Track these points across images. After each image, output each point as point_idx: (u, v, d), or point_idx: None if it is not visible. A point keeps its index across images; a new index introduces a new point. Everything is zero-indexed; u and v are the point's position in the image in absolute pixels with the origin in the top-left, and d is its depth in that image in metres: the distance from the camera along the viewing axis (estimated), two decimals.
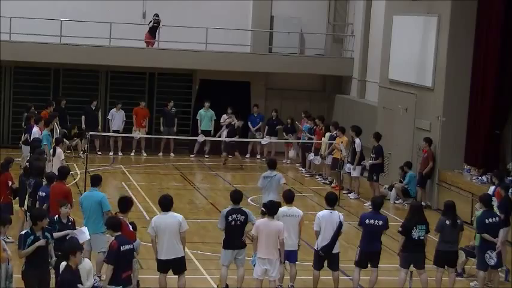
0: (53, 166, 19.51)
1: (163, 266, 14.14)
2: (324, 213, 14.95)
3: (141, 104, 29.02)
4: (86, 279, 11.81)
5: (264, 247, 14.16)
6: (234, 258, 14.73)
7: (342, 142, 24.21)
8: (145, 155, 28.80)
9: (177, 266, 14.15)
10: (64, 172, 16.35)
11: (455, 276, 15.57)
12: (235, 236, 14.58)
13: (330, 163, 25.18)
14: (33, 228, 12.71)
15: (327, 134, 25.62)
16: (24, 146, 24.05)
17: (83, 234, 13.48)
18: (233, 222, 14.53)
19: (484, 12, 21.94)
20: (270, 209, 14.34)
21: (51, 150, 20.74)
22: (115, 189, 23.34)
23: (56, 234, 13.30)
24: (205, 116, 29.12)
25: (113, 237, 12.76)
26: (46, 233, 12.77)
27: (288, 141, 28.26)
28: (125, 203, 14.09)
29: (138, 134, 28.39)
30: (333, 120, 27.19)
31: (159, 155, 29.00)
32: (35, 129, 22.49)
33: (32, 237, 12.60)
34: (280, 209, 14.83)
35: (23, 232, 12.93)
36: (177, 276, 14.28)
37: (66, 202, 14.15)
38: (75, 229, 13.77)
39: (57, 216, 13.95)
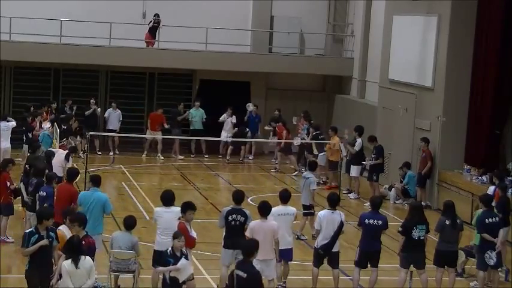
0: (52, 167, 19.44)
1: (159, 259, 14.19)
2: (325, 212, 14.98)
3: (158, 110, 28.78)
4: (87, 278, 11.82)
5: (260, 248, 14.14)
6: (235, 258, 14.72)
7: (341, 142, 24.20)
8: (162, 158, 28.47)
9: None
10: (72, 174, 16.25)
11: (455, 276, 15.57)
12: (235, 236, 14.56)
13: (324, 163, 25.22)
14: (38, 227, 12.68)
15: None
16: (24, 146, 24.15)
17: (187, 268, 13.18)
18: (233, 222, 14.52)
19: (484, 12, 21.94)
20: (263, 210, 14.32)
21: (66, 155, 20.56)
22: (115, 189, 23.36)
23: (160, 269, 13.01)
24: (196, 116, 29.07)
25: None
26: (51, 233, 12.72)
27: (289, 141, 28.18)
28: (184, 206, 14.00)
29: (152, 136, 28.40)
30: (315, 123, 27.14)
31: (172, 156, 28.81)
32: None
33: (36, 236, 12.56)
34: (275, 208, 14.82)
35: (27, 230, 12.91)
36: None
37: (181, 234, 13.26)
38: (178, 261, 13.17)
39: (170, 249, 13.03)
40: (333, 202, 15.10)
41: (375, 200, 15.58)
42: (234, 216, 14.53)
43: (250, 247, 11.40)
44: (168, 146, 28.97)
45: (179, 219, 14.05)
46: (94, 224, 14.74)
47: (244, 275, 11.07)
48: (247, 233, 14.20)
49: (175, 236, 13.04)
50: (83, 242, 12.51)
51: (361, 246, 15.11)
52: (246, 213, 14.62)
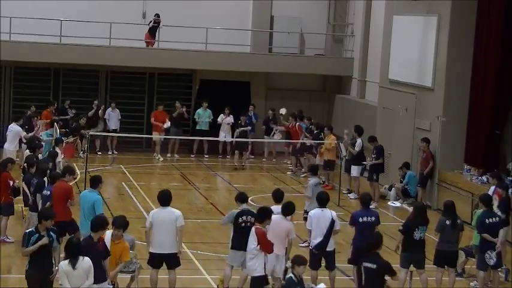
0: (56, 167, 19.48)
1: (155, 260, 14.20)
2: (314, 211, 14.97)
3: (159, 108, 28.61)
4: (85, 278, 11.82)
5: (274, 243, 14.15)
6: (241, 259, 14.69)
7: (342, 143, 24.19)
8: (162, 158, 28.46)
9: (170, 260, 14.23)
10: (65, 171, 16.32)
11: (455, 276, 15.57)
12: (244, 237, 14.55)
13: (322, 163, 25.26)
14: (38, 227, 12.68)
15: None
16: (23, 145, 24.16)
17: None
18: (243, 224, 14.50)
19: (484, 12, 21.94)
20: (285, 210, 14.35)
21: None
22: (115, 189, 23.36)
23: None
24: (203, 116, 29.08)
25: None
26: (51, 233, 12.72)
27: (287, 141, 28.20)
28: (263, 213, 13.90)
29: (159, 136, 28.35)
30: (315, 121, 27.07)
31: (168, 156, 28.83)
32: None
33: (36, 235, 12.55)
34: (271, 207, 14.78)
35: (27, 230, 12.93)
36: (170, 274, 14.34)
37: (307, 261, 12.45)
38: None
39: (293, 276, 12.13)
40: (322, 201, 15.07)
41: (365, 197, 15.60)
42: (244, 217, 14.52)
43: (376, 240, 12.62)
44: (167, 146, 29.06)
45: (253, 224, 13.89)
46: (88, 224, 14.69)
47: (374, 266, 12.22)
48: None
49: (301, 262, 12.26)
50: (99, 243, 12.64)
51: (355, 244, 15.04)
52: (255, 214, 14.64)
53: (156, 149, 28.62)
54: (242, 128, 28.12)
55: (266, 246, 13.66)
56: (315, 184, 17.92)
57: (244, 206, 14.69)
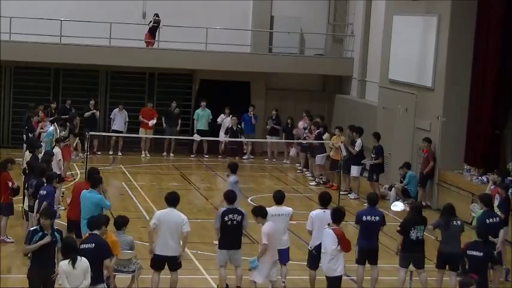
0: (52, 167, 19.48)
1: (157, 262, 14.15)
2: (316, 212, 14.87)
3: (148, 105, 28.92)
4: (83, 278, 11.82)
5: (273, 250, 14.12)
6: (230, 258, 14.66)
7: (342, 142, 24.18)
8: (149, 156, 28.70)
9: (172, 263, 14.18)
10: (90, 173, 16.25)
11: (456, 279, 15.48)
12: (231, 236, 14.54)
13: (323, 163, 25.19)
14: (43, 226, 12.67)
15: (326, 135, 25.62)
16: (24, 146, 24.14)
17: None
18: (229, 222, 14.49)
19: (484, 12, 21.95)
20: (263, 213, 14.25)
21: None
22: (115, 189, 23.34)
23: None
24: (202, 116, 29.11)
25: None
26: (55, 233, 12.71)
27: (289, 141, 28.18)
28: (339, 214, 13.86)
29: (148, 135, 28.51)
30: (316, 120, 27.03)
31: (163, 154, 28.92)
32: (52, 128, 22.78)
33: (40, 234, 12.57)
34: (269, 208, 14.70)
35: (31, 228, 12.94)
36: (172, 276, 14.33)
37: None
38: None
39: None
40: (324, 201, 14.97)
41: (371, 196, 15.59)
42: (230, 216, 14.50)
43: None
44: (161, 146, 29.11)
45: (328, 225, 13.80)
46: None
47: (481, 254, 12.90)
48: (264, 241, 13.98)
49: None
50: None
51: (360, 244, 15.10)
52: (242, 212, 14.62)
53: (142, 146, 28.74)
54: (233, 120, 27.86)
55: (346, 246, 13.66)
56: (235, 182, 17.62)
57: (231, 206, 14.65)
